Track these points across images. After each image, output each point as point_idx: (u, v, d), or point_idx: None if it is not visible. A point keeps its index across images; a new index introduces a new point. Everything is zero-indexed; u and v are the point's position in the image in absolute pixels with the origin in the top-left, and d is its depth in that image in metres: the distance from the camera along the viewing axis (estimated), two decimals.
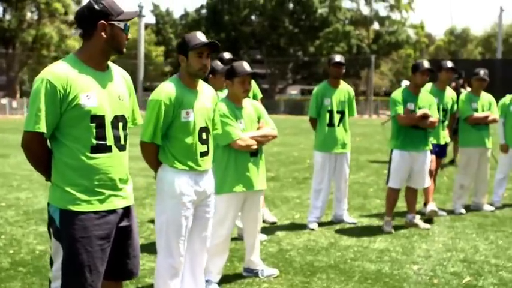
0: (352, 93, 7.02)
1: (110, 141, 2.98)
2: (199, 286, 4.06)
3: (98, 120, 2.93)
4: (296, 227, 6.79)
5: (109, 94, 3.00)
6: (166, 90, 3.73)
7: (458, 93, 8.73)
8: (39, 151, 2.96)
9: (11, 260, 5.32)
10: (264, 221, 6.14)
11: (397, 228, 6.67)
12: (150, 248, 5.45)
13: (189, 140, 3.75)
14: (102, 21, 2.93)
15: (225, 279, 4.86)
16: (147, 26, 53.90)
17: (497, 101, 8.02)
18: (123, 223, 3.09)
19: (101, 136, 2.95)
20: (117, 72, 3.14)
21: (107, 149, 2.97)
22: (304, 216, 7.17)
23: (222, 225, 4.65)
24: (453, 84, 10.56)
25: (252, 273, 4.99)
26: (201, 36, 3.76)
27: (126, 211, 3.11)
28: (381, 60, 56.05)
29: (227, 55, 6.30)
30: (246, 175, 4.61)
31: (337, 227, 6.82)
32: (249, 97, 4.89)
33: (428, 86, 7.34)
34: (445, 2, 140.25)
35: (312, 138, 7.22)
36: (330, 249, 5.84)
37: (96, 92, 2.93)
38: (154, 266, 5.03)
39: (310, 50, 51.24)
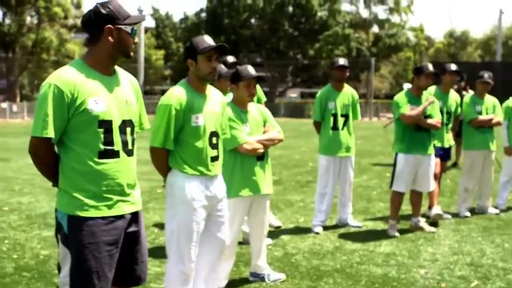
0: (356, 96, 6.99)
1: (117, 146, 2.95)
2: None
3: (106, 125, 2.90)
4: (301, 230, 6.76)
5: (116, 99, 2.97)
6: (176, 94, 3.70)
7: (460, 96, 8.70)
8: (47, 157, 2.93)
9: (15, 264, 5.29)
10: (269, 225, 6.11)
11: (402, 231, 6.64)
12: (155, 253, 5.42)
13: (199, 144, 3.72)
14: (109, 26, 2.90)
15: (231, 284, 4.83)
16: (146, 30, 53.89)
17: None
18: (131, 228, 3.07)
19: (109, 141, 2.92)
20: (124, 77, 3.12)
21: (114, 154, 2.94)
22: (308, 220, 7.14)
23: (229, 229, 4.61)
24: (455, 86, 10.52)
25: (259, 277, 4.95)
26: (209, 40, 3.74)
27: (134, 216, 3.10)
28: (381, 63, 56.00)
29: (231, 59, 6.25)
30: (253, 179, 4.59)
31: (342, 230, 6.79)
32: (253, 101, 4.87)
33: (432, 89, 7.32)
34: (444, 5, 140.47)
35: (313, 141, 7.22)
36: (336, 253, 5.81)
37: (103, 97, 2.91)
38: (159, 271, 5.02)
39: (310, 53, 51.19)
